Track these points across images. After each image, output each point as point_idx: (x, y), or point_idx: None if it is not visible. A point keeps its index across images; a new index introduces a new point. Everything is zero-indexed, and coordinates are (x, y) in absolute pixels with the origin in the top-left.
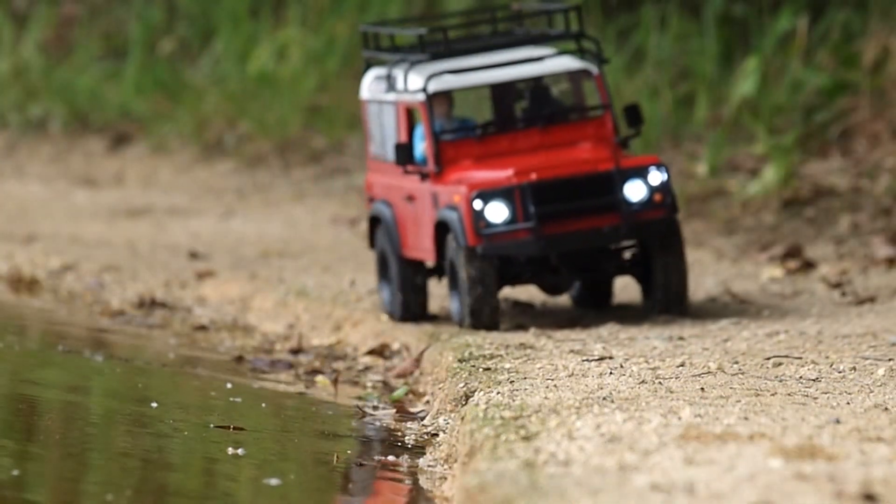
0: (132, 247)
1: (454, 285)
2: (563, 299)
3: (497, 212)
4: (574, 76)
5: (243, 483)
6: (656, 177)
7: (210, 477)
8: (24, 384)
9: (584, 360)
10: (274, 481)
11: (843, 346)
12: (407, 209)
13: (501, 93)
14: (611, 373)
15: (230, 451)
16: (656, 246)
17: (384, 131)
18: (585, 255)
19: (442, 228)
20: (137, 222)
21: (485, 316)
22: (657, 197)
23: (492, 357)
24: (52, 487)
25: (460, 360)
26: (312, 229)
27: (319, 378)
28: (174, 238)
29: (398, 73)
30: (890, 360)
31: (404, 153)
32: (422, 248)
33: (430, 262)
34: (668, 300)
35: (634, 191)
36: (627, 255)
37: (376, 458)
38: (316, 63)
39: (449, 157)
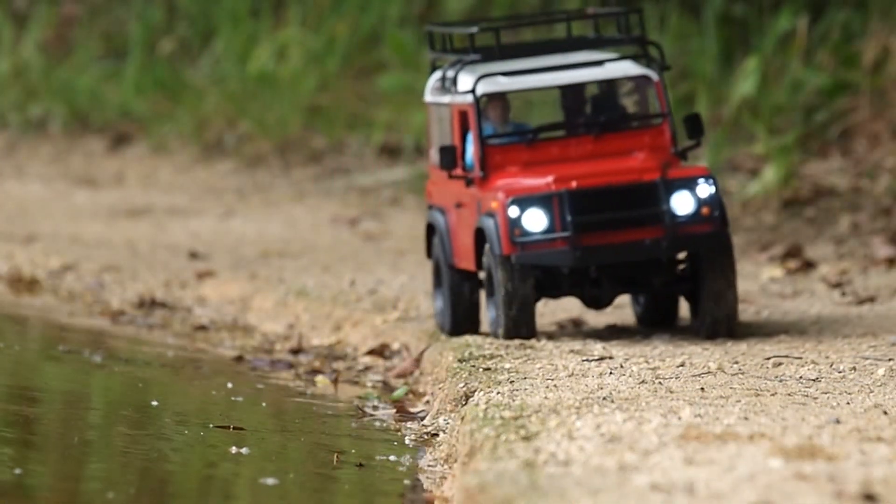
0: (132, 247)
1: (490, 293)
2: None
3: (535, 220)
4: (633, 82)
5: (242, 483)
6: (705, 189)
7: (210, 477)
8: (23, 384)
9: (584, 360)
10: (273, 481)
11: (843, 346)
12: (456, 216)
13: (555, 97)
14: (611, 373)
15: (234, 450)
16: (704, 262)
17: (442, 135)
18: (630, 268)
19: (481, 236)
20: (137, 222)
21: (520, 329)
22: (705, 210)
23: (492, 357)
24: (52, 487)
25: (460, 360)
26: (312, 229)
27: (319, 378)
28: (174, 238)
29: (451, 75)
30: (890, 360)
31: (449, 156)
32: (467, 257)
33: (473, 270)
34: (715, 321)
35: (681, 203)
36: (676, 270)
37: (376, 458)
38: (316, 63)
39: (496, 162)
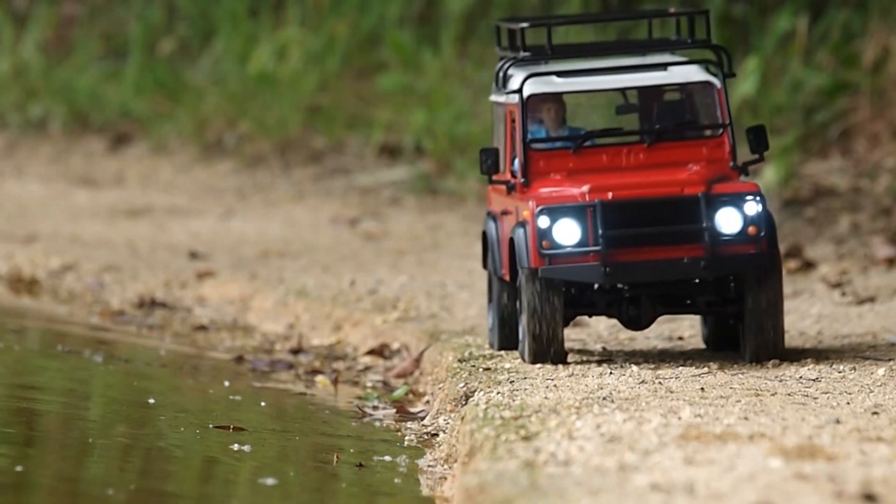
0: (132, 247)
1: (521, 310)
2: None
3: (567, 232)
4: (695, 89)
5: (242, 483)
6: (752, 207)
7: (209, 477)
8: (23, 384)
9: (584, 361)
10: (272, 481)
11: (843, 346)
12: (503, 224)
13: (609, 101)
14: (611, 373)
15: (236, 447)
16: (748, 285)
17: (497, 136)
18: (671, 287)
19: (514, 247)
20: (137, 222)
21: (547, 349)
22: (751, 230)
23: (492, 357)
24: (52, 486)
25: (460, 360)
26: (312, 229)
27: (319, 378)
28: (174, 238)
29: (502, 73)
30: (890, 360)
31: (488, 160)
32: (507, 269)
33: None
34: (759, 347)
35: (725, 221)
36: (723, 289)
37: (376, 458)
38: (316, 63)
39: (539, 168)
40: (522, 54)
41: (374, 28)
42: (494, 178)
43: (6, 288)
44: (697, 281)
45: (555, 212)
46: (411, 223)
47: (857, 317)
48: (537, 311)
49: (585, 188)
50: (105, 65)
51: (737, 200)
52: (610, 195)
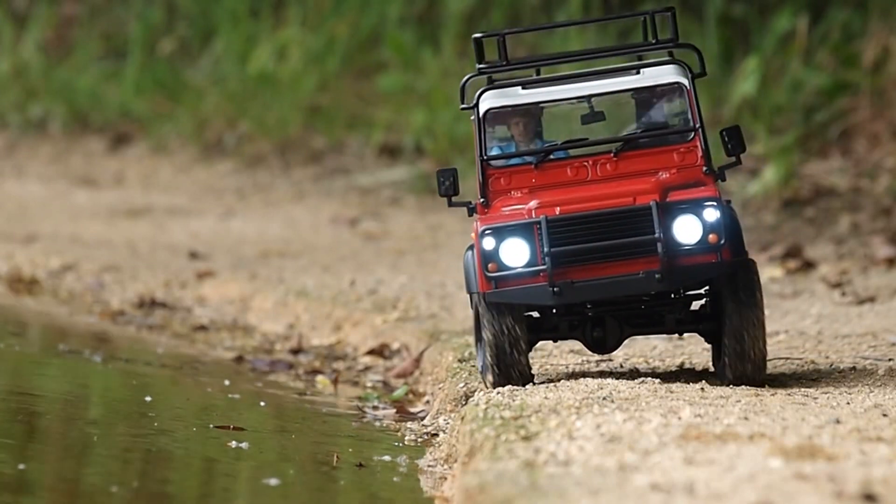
0: (132, 247)
1: (479, 338)
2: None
3: (515, 252)
4: (664, 91)
5: (242, 483)
6: (711, 213)
7: (209, 476)
8: (23, 384)
9: (584, 360)
10: (273, 481)
11: (843, 346)
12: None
13: (570, 112)
14: (611, 373)
15: (234, 444)
16: (721, 297)
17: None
18: (634, 304)
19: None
20: (137, 222)
21: (510, 378)
22: (711, 238)
23: None
24: (51, 486)
25: (460, 360)
26: (312, 229)
27: (319, 378)
28: (174, 238)
29: (460, 87)
30: (890, 360)
31: (446, 181)
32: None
33: None
34: (738, 365)
35: (683, 230)
36: (694, 305)
37: (376, 458)
38: (316, 63)
39: (500, 187)
40: (478, 66)
41: (374, 28)
42: (454, 200)
43: (6, 288)
44: (673, 296)
45: (500, 232)
46: (411, 223)
47: (857, 317)
48: (498, 339)
49: (533, 204)
50: (105, 65)
51: (694, 207)
52: (557, 210)
